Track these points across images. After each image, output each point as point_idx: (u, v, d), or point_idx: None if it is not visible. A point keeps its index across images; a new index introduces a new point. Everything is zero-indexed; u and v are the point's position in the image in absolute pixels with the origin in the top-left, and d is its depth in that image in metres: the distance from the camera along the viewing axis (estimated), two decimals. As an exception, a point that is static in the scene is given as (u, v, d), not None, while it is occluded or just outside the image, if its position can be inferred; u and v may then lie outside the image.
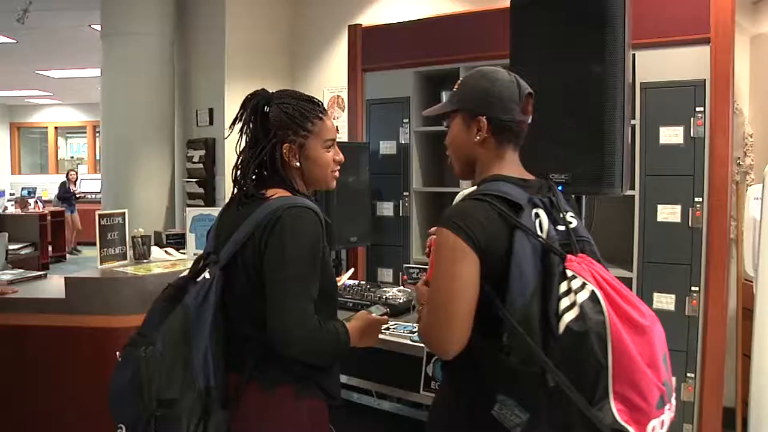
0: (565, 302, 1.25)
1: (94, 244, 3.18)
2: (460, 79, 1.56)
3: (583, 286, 1.25)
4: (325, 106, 1.76)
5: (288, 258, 1.49)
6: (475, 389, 1.38)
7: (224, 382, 1.53)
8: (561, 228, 1.39)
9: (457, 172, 1.59)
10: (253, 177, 1.63)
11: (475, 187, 1.47)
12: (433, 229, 1.56)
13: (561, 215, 1.41)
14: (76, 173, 11.72)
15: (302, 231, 1.52)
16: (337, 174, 1.72)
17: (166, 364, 1.46)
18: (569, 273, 1.28)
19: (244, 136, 1.66)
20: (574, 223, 1.42)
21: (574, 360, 1.22)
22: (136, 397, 1.44)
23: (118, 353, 1.54)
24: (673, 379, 1.32)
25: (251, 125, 1.64)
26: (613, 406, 1.19)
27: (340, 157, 1.70)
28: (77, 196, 11.24)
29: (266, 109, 1.63)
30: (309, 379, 1.58)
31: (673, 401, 1.30)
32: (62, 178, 11.42)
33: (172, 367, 1.46)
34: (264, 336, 1.51)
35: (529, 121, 1.52)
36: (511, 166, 1.50)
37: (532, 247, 1.31)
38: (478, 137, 1.48)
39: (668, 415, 1.26)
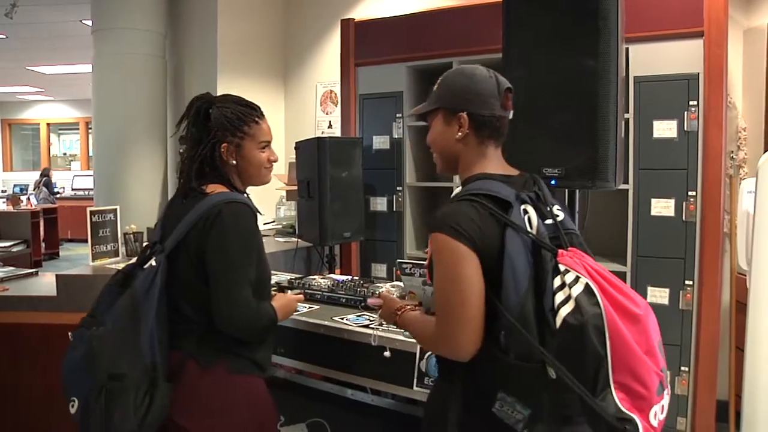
0: (560, 297, 1.26)
1: (86, 241, 3.16)
2: (440, 78, 1.56)
3: (577, 279, 1.26)
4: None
5: (229, 249, 1.68)
6: (473, 387, 1.38)
7: (168, 359, 1.68)
8: (549, 222, 1.39)
9: (441, 168, 1.61)
10: (192, 174, 1.77)
11: (460, 188, 1.48)
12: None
13: (548, 209, 1.41)
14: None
15: (240, 224, 1.71)
16: (271, 171, 1.89)
17: (115, 341, 1.62)
18: (562, 267, 1.28)
19: (189, 135, 1.81)
20: (561, 215, 1.43)
21: (573, 353, 1.23)
22: (88, 372, 1.60)
23: (70, 334, 1.70)
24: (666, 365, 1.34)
25: (194, 126, 1.79)
26: (615, 395, 1.21)
27: (275, 157, 1.87)
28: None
29: (209, 111, 1.78)
30: (241, 356, 1.74)
31: (668, 387, 1.32)
32: (54, 175, 11.52)
33: (121, 344, 1.62)
34: (203, 317, 1.70)
35: (510, 116, 1.52)
36: (495, 163, 1.50)
37: (523, 244, 1.32)
38: (459, 134, 1.48)
39: (667, 400, 1.29)
